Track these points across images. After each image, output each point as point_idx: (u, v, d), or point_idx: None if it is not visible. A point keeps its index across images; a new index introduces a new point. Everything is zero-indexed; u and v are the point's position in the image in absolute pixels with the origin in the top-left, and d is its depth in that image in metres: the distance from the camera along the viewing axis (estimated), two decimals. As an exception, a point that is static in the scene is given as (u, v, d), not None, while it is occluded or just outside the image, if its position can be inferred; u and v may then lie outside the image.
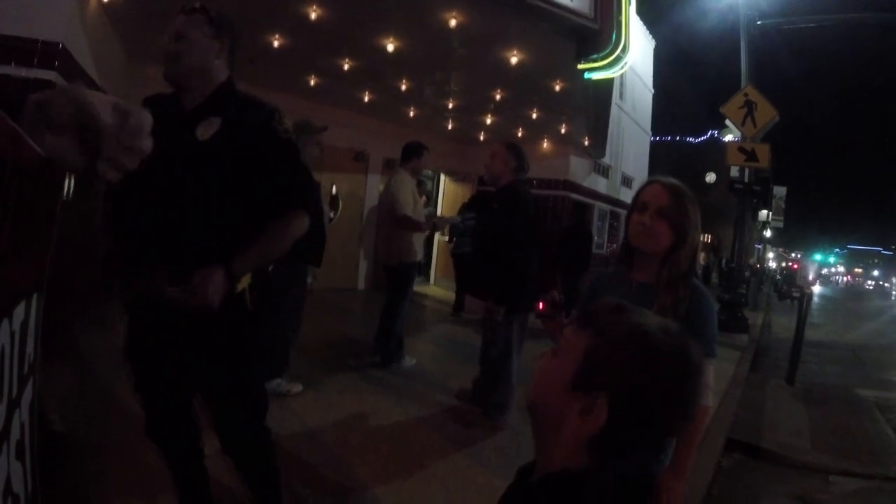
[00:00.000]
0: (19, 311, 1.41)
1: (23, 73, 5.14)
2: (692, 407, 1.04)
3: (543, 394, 1.08)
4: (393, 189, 6.19)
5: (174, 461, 2.57)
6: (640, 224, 2.17)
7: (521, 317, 4.80)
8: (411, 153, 6.39)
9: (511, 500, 1.17)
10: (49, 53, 5.26)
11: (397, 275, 6.24)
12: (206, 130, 2.23)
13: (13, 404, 1.36)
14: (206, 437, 2.60)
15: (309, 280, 5.32)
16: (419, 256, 6.41)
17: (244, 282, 2.31)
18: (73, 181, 5.15)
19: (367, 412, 4.86)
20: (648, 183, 2.26)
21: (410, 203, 6.15)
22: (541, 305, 2.40)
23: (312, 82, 9.44)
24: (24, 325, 1.47)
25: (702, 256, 22.79)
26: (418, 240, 6.33)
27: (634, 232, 2.20)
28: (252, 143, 2.27)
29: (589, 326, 1.05)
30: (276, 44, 7.52)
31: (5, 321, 1.27)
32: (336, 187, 11.48)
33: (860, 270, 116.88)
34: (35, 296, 1.57)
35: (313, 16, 6.64)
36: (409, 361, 6.32)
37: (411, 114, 11.53)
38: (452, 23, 6.81)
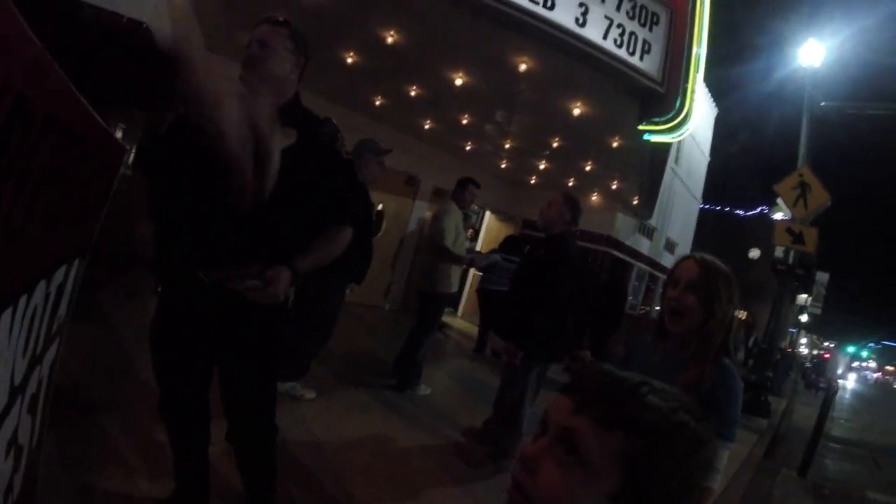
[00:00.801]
0: (59, 274, 1.47)
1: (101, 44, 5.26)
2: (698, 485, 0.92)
3: None
4: (437, 219, 6.29)
5: (180, 441, 2.63)
6: (671, 299, 2.19)
7: (541, 366, 4.78)
8: (459, 185, 6.46)
9: None
10: (131, 31, 5.39)
11: (429, 302, 6.29)
12: (283, 140, 2.26)
13: (35, 360, 1.42)
14: (213, 428, 2.66)
15: (347, 292, 5.43)
16: (454, 288, 6.43)
17: None
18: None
19: (374, 432, 4.87)
20: (683, 258, 2.29)
21: (452, 235, 6.19)
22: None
23: (377, 102, 9.60)
24: (61, 287, 1.54)
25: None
26: (455, 272, 6.37)
27: (666, 307, 2.21)
28: (320, 159, 2.42)
29: (617, 427, 0.87)
30: (349, 60, 7.69)
31: (43, 282, 1.33)
32: (382, 206, 11.60)
33: (892, 369, 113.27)
34: (77, 261, 1.64)
35: (390, 40, 6.80)
36: (424, 390, 6.30)
37: (467, 147, 11.65)
38: (522, 67, 6.93)
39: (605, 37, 6.70)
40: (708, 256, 2.25)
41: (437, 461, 4.61)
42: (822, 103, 12.51)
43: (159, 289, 2.56)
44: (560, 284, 4.57)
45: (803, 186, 11.37)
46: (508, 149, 10.98)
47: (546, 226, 4.90)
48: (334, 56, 7.60)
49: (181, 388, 2.54)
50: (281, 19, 2.47)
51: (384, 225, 11.35)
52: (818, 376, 29.65)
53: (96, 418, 3.59)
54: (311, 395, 5.21)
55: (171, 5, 6.16)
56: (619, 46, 6.82)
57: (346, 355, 6.87)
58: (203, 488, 2.71)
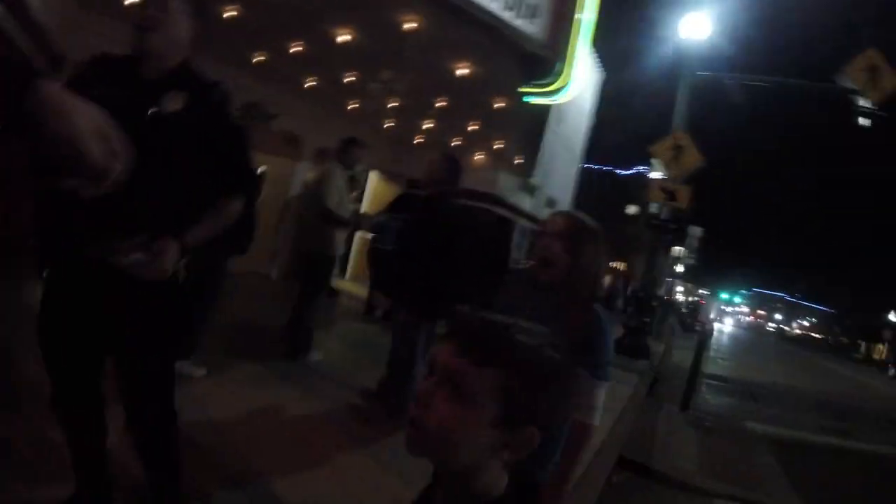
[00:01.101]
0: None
1: None
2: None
3: (454, 448, 1.02)
4: (322, 181, 6.10)
5: (76, 437, 2.46)
6: (539, 248, 2.32)
7: (429, 324, 4.84)
8: (344, 146, 6.27)
9: None
10: None
11: (315, 266, 6.14)
12: (173, 104, 2.21)
13: None
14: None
15: (273, 274, 5.19)
16: (340, 251, 6.35)
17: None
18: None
19: (270, 403, 4.79)
20: (551, 214, 2.44)
21: (336, 197, 6.02)
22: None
23: (256, 59, 9.28)
24: None
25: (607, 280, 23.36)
26: (340, 234, 6.25)
27: (536, 256, 2.34)
28: (213, 124, 2.30)
29: (492, 364, 1.01)
30: (227, 14, 7.39)
31: None
32: (264, 169, 11.27)
33: (763, 312, 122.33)
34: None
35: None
36: (316, 356, 6.20)
37: (350, 106, 11.47)
38: (407, 25, 6.87)
39: (493, -1, 6.71)
40: (573, 212, 2.44)
41: (336, 426, 4.62)
42: (697, 73, 13.09)
43: (43, 274, 2.37)
44: (435, 240, 4.64)
45: (678, 149, 11.95)
46: (393, 108, 10.91)
47: (426, 186, 4.95)
48: (212, 10, 7.28)
49: (74, 380, 2.37)
50: None
51: (262, 189, 11.03)
52: (694, 320, 31.41)
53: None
54: (201, 371, 4.97)
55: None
56: (509, 9, 6.86)
57: (233, 327, 6.57)
58: (104, 484, 2.56)
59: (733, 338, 41.34)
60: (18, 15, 5.64)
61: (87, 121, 1.21)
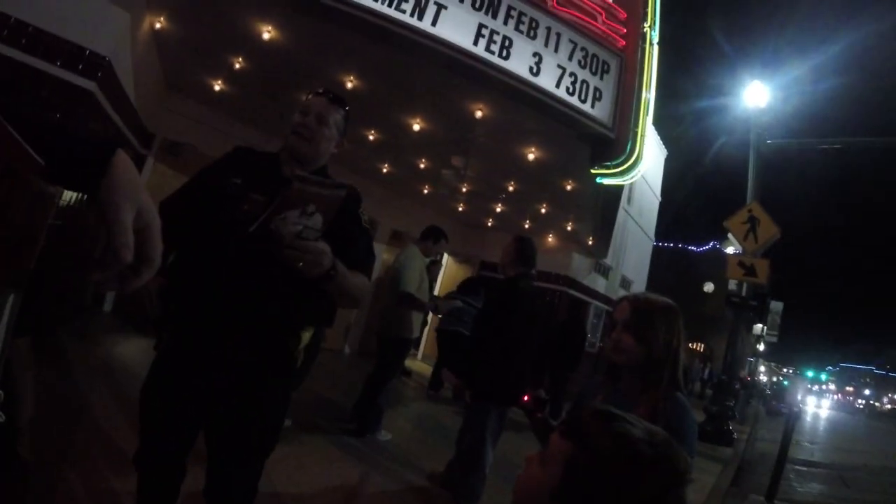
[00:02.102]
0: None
1: (65, 76, 5.38)
2: None
3: (523, 497, 1.11)
4: (402, 264, 6.19)
5: (149, 496, 2.49)
6: (610, 340, 2.29)
7: (499, 408, 4.77)
8: (430, 235, 6.44)
9: None
10: (94, 64, 5.51)
11: (390, 347, 6.22)
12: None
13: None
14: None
15: (347, 350, 5.39)
16: (415, 334, 6.40)
17: (305, 339, 2.42)
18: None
19: (335, 480, 4.79)
20: (619, 300, 2.39)
21: (416, 281, 6.13)
22: (526, 398, 2.46)
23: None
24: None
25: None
26: (417, 317, 6.33)
27: (608, 348, 2.31)
28: (346, 226, 2.39)
29: (572, 436, 1.07)
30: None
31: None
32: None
33: (851, 389, 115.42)
34: (11, 296, 1.60)
35: (349, 85, 6.94)
36: (384, 436, 6.22)
37: (425, 191, 11.83)
38: (478, 114, 7.12)
39: (557, 85, 6.93)
40: (642, 294, 2.34)
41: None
42: (768, 141, 12.95)
43: (160, 344, 2.47)
44: (508, 326, 4.60)
45: (752, 221, 11.74)
46: (465, 192, 11.16)
47: (502, 269, 4.97)
48: (293, 99, 7.68)
49: (164, 443, 2.41)
50: (334, 96, 2.56)
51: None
52: (779, 402, 30.03)
53: (46, 465, 3.50)
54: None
55: (133, 40, 6.25)
56: (572, 94, 7.05)
57: (304, 401, 6.73)
58: None
59: (819, 418, 39.37)
60: (115, 96, 6.11)
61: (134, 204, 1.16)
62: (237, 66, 7.35)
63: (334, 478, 4.84)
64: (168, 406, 2.35)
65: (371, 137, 8.87)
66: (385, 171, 10.83)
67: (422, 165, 9.92)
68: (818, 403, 68.67)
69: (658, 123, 16.26)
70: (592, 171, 7.85)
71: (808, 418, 29.99)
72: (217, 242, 2.28)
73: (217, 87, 8.29)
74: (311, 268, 2.10)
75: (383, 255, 12.67)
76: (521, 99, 6.82)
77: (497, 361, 4.58)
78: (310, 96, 2.54)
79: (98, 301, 8.45)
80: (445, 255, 14.66)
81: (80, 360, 5.47)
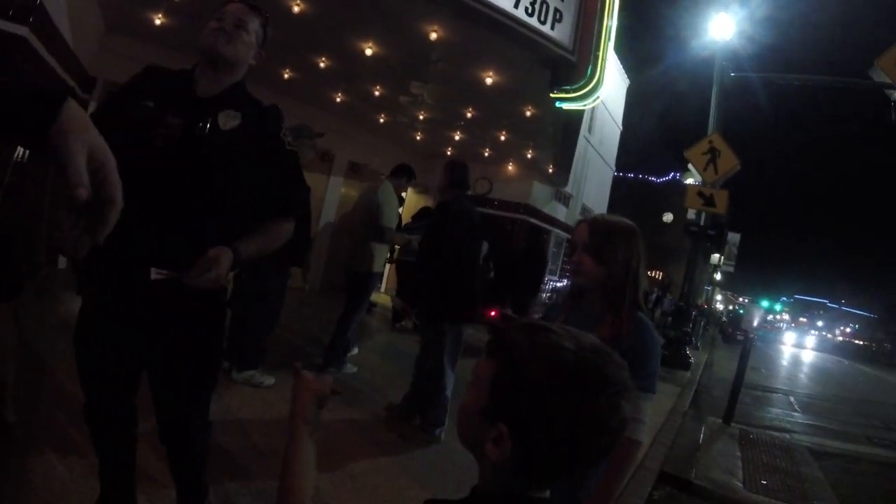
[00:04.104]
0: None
1: None
2: (608, 425, 0.96)
3: (462, 425, 1.09)
4: (381, 201, 6.20)
5: (106, 446, 2.45)
6: (571, 262, 2.27)
7: (452, 330, 4.84)
8: (402, 173, 6.62)
9: None
10: (25, 8, 5.17)
11: (361, 282, 6.22)
12: (228, 122, 2.22)
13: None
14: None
15: (306, 286, 5.44)
16: (383, 267, 6.52)
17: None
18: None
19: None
20: (578, 223, 2.34)
21: (395, 217, 6.29)
22: (493, 312, 2.41)
23: (285, 76, 9.35)
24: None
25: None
26: (386, 251, 6.47)
27: (570, 269, 2.30)
28: (265, 147, 2.31)
29: (495, 353, 1.05)
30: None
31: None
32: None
33: (805, 320, 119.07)
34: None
35: (296, 9, 6.61)
36: (349, 369, 6.27)
37: (381, 120, 11.53)
38: (433, 36, 6.87)
39: (516, 5, 6.67)
40: (600, 216, 2.31)
41: (369, 439, 4.59)
42: (732, 73, 12.87)
43: (83, 288, 2.35)
44: (445, 246, 4.76)
45: (713, 152, 11.76)
46: (423, 120, 10.92)
47: (439, 194, 5.14)
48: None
49: (108, 392, 2.37)
50: (255, 4, 2.41)
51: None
52: (735, 330, 30.79)
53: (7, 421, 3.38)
54: (269, 381, 5.22)
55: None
56: (531, 14, 6.81)
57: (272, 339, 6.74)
58: (129, 493, 2.56)
59: (773, 345, 40.66)
60: (50, 40, 5.78)
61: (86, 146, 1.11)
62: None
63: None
64: (101, 351, 2.27)
65: (322, 64, 8.54)
66: (339, 100, 10.50)
67: (377, 93, 9.62)
68: (799, 341, 60.77)
69: (621, 53, 16.09)
70: (552, 94, 7.69)
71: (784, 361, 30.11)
72: (132, 170, 2.11)
73: (158, 22, 7.85)
74: (214, 283, 2.11)
75: (341, 188, 12.45)
76: (477, 19, 6.53)
77: (438, 281, 4.73)
78: (225, 6, 2.35)
79: (52, 259, 8.20)
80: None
81: (39, 319, 5.33)
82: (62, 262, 8.40)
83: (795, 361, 30.30)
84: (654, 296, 21.86)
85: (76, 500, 2.78)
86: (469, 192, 5.15)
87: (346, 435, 4.55)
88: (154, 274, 2.08)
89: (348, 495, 3.62)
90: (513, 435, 0.96)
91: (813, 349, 50.83)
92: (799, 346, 52.52)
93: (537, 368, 0.96)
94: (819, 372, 25.27)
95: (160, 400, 2.37)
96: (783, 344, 49.57)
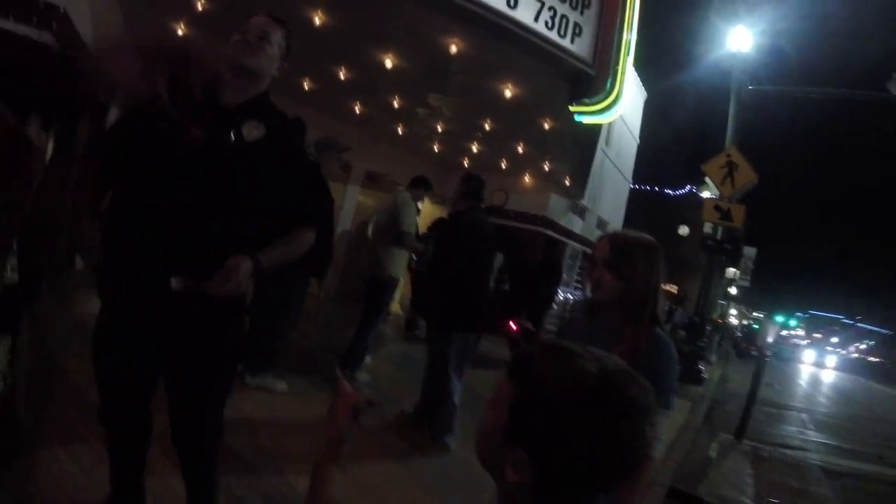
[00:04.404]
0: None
1: (19, 29, 5.14)
2: (631, 448, 0.95)
3: (480, 446, 1.08)
4: (400, 209, 6.32)
5: (118, 448, 2.48)
6: (591, 278, 2.29)
7: (459, 339, 4.86)
8: (420, 184, 6.74)
9: None
10: (48, 16, 5.26)
11: (379, 287, 6.31)
12: (251, 132, 2.26)
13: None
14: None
15: (321, 294, 5.50)
16: (401, 274, 6.61)
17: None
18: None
19: (310, 418, 4.84)
20: (599, 238, 2.36)
21: (412, 224, 6.33)
22: (512, 324, 2.45)
23: (306, 86, 9.44)
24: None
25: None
26: (404, 258, 6.55)
27: (589, 285, 2.34)
28: (288, 158, 2.36)
29: (515, 376, 1.02)
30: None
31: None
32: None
33: (820, 336, 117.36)
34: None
35: (317, 21, 6.69)
36: (363, 377, 6.27)
37: (399, 131, 11.59)
38: (453, 48, 6.92)
39: (536, 19, 6.73)
40: (621, 232, 2.35)
41: (378, 445, 4.59)
42: (750, 87, 12.84)
43: (103, 291, 2.38)
44: (455, 256, 4.82)
45: (731, 166, 11.71)
46: (441, 132, 10.97)
47: (453, 205, 5.24)
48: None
49: (124, 396, 2.39)
50: (280, 19, 2.46)
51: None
52: (749, 345, 30.56)
53: (22, 422, 3.44)
54: (282, 386, 5.27)
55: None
56: (550, 28, 6.86)
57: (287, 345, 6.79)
58: (139, 495, 2.59)
59: (788, 362, 40.10)
60: (73, 47, 5.88)
61: None
62: (200, 6, 7.04)
63: (309, 416, 4.88)
64: (119, 355, 2.31)
65: (342, 76, 8.62)
66: (358, 111, 10.59)
67: (396, 104, 9.68)
68: (819, 360, 53.58)
69: (639, 66, 16.09)
70: (571, 108, 7.72)
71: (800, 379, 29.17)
72: (155, 178, 2.18)
73: (180, 32, 7.99)
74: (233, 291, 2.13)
75: (358, 197, 12.51)
76: (497, 33, 6.60)
77: (447, 290, 4.79)
78: (250, 18, 2.41)
79: (70, 260, 8.28)
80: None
81: (54, 318, 5.39)
82: (79, 263, 8.49)
83: (811, 379, 29.95)
84: (665, 309, 21.76)
85: (85, 499, 2.82)
86: (482, 205, 5.21)
87: (356, 442, 4.56)
88: (175, 283, 2.10)
89: (356, 503, 3.63)
90: (532, 459, 0.95)
91: (834, 368, 47.02)
92: (819, 365, 49.11)
93: (559, 393, 0.94)
94: (833, 390, 25.03)
95: (175, 405, 2.39)
96: (801, 363, 46.81)
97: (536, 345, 1.07)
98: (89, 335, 2.34)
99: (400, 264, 6.41)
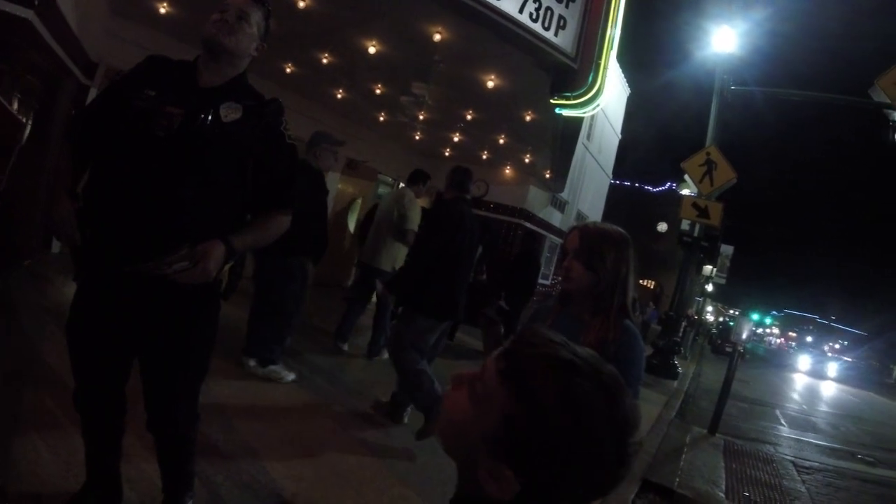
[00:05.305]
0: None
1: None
2: (625, 465, 0.91)
3: (452, 437, 1.01)
4: (406, 206, 6.75)
5: (93, 434, 2.48)
6: (562, 269, 2.31)
7: (425, 321, 4.87)
8: (419, 178, 7.11)
9: None
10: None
11: (374, 278, 6.62)
12: (229, 114, 2.24)
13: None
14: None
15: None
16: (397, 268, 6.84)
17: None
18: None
19: (297, 400, 4.89)
20: (570, 230, 2.40)
21: (417, 221, 6.60)
22: (488, 309, 2.47)
23: (287, 70, 9.37)
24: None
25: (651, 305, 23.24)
26: (403, 253, 6.83)
27: (561, 275, 2.34)
28: (265, 139, 2.33)
29: (513, 380, 0.92)
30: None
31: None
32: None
33: (794, 334, 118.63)
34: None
35: (301, 4, 6.62)
36: (385, 354, 6.49)
37: (381, 118, 11.55)
38: (437, 37, 6.88)
39: (521, 10, 6.70)
40: (592, 224, 2.37)
41: (354, 434, 4.62)
42: (732, 87, 12.91)
43: (78, 275, 2.36)
44: (427, 241, 4.92)
45: (710, 164, 11.82)
46: (423, 120, 10.93)
47: (444, 195, 5.29)
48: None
49: (98, 379, 2.39)
50: None
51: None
52: (724, 341, 30.79)
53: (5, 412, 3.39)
54: (291, 376, 5.34)
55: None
56: (535, 20, 6.84)
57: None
58: (115, 480, 2.59)
59: (762, 359, 40.24)
60: (54, 24, 5.78)
61: None
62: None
63: (295, 402, 4.96)
64: (94, 337, 2.31)
65: (325, 61, 8.56)
66: (340, 96, 10.52)
67: (378, 91, 9.64)
68: (817, 366, 41.27)
69: (623, 64, 16.16)
70: (552, 101, 7.72)
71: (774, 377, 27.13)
72: (131, 159, 2.16)
73: (163, 10, 7.89)
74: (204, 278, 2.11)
75: (338, 185, 12.47)
76: (481, 22, 6.56)
77: (419, 272, 4.83)
78: None
79: (47, 242, 8.17)
80: (402, 185, 14.55)
81: (29, 302, 5.32)
82: (56, 246, 8.39)
83: (787, 379, 30.15)
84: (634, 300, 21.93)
85: (61, 486, 2.77)
86: (468, 196, 5.22)
87: (332, 432, 4.56)
88: (144, 267, 2.08)
89: (332, 492, 3.62)
90: (519, 476, 0.89)
91: (835, 379, 36.23)
92: (817, 375, 37.71)
93: (563, 420, 0.87)
94: (807, 388, 25.34)
95: (150, 388, 2.39)
96: (797, 371, 37.99)
97: (531, 345, 0.95)
98: (66, 319, 2.33)
99: (399, 257, 6.77)
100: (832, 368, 40.94)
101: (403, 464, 4.31)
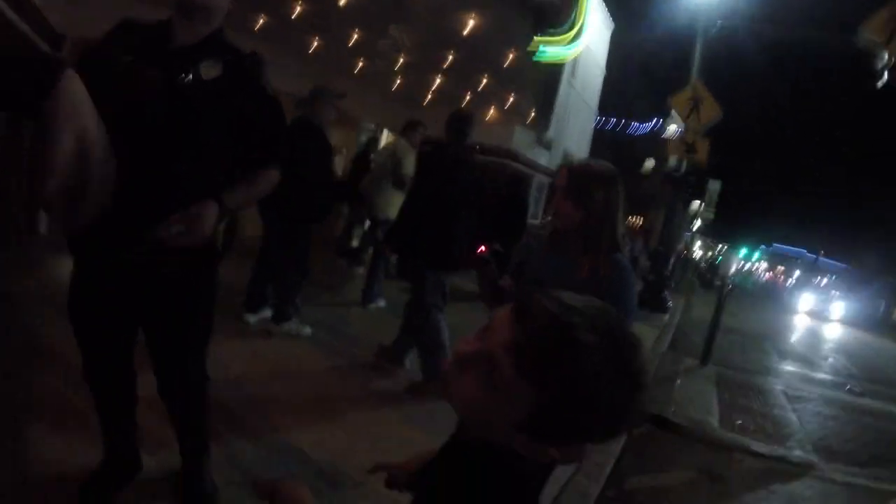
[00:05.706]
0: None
1: None
2: (626, 419, 0.90)
3: (474, 420, 0.99)
4: (401, 155, 6.83)
5: (106, 407, 2.49)
6: (552, 207, 2.35)
7: (428, 271, 4.78)
8: (413, 126, 7.06)
9: (448, 453, 1.11)
10: None
11: (374, 227, 6.97)
12: (208, 71, 2.16)
13: None
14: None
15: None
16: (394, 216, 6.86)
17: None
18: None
19: (292, 359, 4.85)
20: (559, 168, 2.40)
21: (412, 168, 6.44)
22: (483, 248, 2.46)
23: (259, 22, 9.16)
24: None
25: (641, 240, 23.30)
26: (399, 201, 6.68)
27: (550, 213, 2.38)
28: (247, 95, 2.27)
29: (535, 373, 0.87)
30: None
31: None
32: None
33: (782, 269, 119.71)
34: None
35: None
36: (382, 302, 6.93)
37: (360, 66, 11.35)
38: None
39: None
40: (581, 161, 2.42)
41: (361, 383, 4.65)
42: (719, 22, 12.72)
43: (73, 248, 2.32)
44: (419, 187, 4.90)
45: (696, 100, 11.69)
46: (402, 66, 10.77)
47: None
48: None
49: (106, 353, 2.40)
50: None
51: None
52: (713, 275, 30.94)
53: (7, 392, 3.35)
54: (307, 330, 5.36)
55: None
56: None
57: None
58: (133, 451, 2.62)
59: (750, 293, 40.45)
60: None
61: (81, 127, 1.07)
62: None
63: (291, 357, 4.92)
64: (96, 310, 2.31)
65: (297, 9, 8.36)
66: (314, 46, 10.32)
67: (355, 36, 9.45)
68: (819, 306, 33.20)
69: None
70: (536, 38, 7.61)
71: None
72: (114, 125, 2.05)
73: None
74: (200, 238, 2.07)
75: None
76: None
77: (415, 218, 4.76)
78: None
79: (33, 223, 8.01)
80: (385, 132, 14.44)
81: (20, 286, 5.24)
82: (43, 225, 8.24)
83: (777, 313, 29.91)
84: (638, 247, 22.05)
85: (83, 462, 2.71)
86: (467, 141, 5.06)
87: (340, 380, 4.60)
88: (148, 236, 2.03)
89: (344, 441, 3.63)
90: (534, 396, 0.87)
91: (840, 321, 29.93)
92: (820, 317, 30.75)
93: (592, 394, 0.86)
94: (799, 320, 25.63)
95: (156, 354, 2.40)
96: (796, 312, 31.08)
97: (542, 332, 0.87)
98: (62, 299, 2.31)
99: (396, 205, 6.55)
100: (837, 309, 33.36)
101: (409, 406, 4.33)
